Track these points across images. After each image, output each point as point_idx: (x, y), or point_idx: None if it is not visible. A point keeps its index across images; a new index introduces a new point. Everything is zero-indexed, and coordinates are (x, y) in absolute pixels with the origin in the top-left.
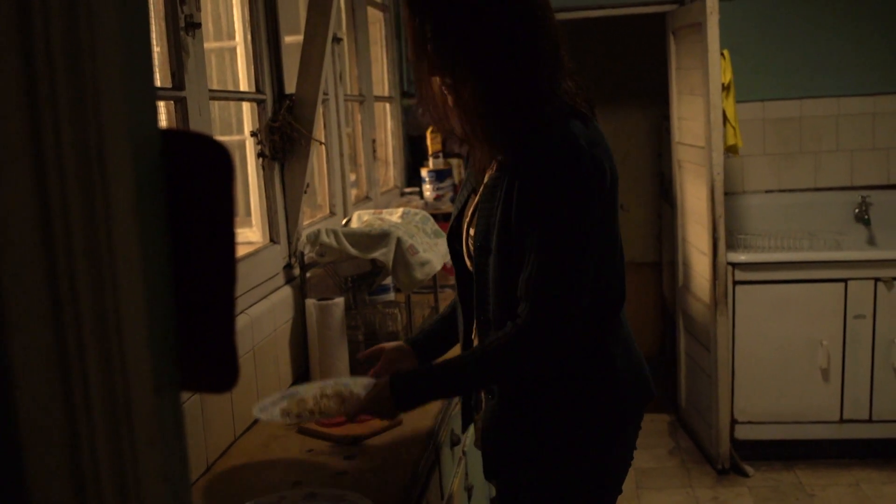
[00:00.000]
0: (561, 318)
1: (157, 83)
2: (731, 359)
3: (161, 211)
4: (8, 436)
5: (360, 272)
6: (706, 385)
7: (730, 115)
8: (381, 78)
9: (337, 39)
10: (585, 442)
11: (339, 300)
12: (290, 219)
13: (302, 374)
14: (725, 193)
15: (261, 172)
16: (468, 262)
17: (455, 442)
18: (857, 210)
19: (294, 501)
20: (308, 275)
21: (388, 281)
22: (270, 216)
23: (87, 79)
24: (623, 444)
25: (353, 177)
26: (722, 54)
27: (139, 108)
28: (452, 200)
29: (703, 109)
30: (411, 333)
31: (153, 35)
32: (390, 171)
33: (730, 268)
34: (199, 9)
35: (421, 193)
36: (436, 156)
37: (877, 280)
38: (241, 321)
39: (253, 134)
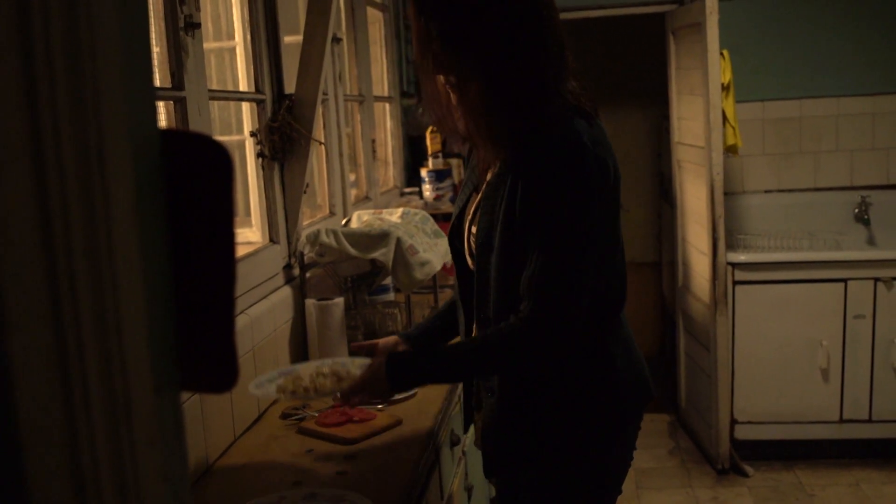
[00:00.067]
0: (562, 316)
1: (157, 83)
2: (730, 359)
3: (161, 211)
4: (8, 436)
5: (360, 272)
6: (706, 385)
7: (729, 115)
8: (381, 78)
9: (336, 39)
10: (585, 442)
11: (339, 300)
12: (290, 219)
13: None
14: (725, 193)
15: (260, 172)
16: (469, 261)
17: (455, 442)
18: (856, 210)
19: (294, 501)
20: (308, 275)
21: (388, 281)
22: (270, 216)
23: (87, 79)
24: (623, 445)
25: (352, 177)
26: (722, 54)
27: (139, 108)
28: (452, 200)
29: (703, 109)
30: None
31: (153, 35)
32: (390, 171)
33: (729, 268)
34: (198, 9)
35: (420, 193)
36: (435, 156)
37: (876, 280)
38: (241, 321)
39: (252, 134)
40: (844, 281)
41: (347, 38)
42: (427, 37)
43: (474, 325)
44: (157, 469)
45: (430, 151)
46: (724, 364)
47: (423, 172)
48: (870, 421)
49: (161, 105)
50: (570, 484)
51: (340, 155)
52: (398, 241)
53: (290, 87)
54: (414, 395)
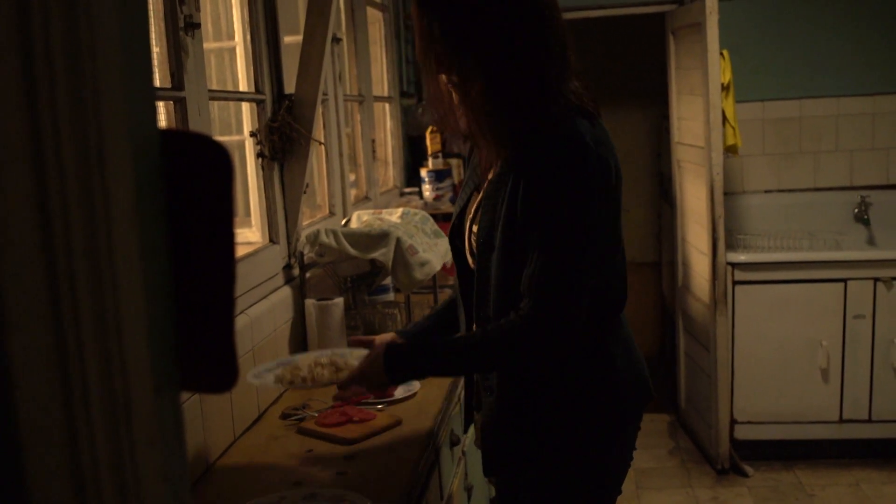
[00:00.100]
0: (562, 316)
1: (157, 83)
2: (730, 359)
3: (161, 211)
4: (8, 436)
5: (360, 272)
6: (706, 385)
7: (729, 115)
8: (381, 78)
9: (336, 39)
10: (585, 442)
11: (339, 300)
12: (290, 219)
13: None
14: (725, 193)
15: (260, 172)
16: (470, 260)
17: (455, 442)
18: (856, 210)
19: (294, 501)
20: (307, 275)
21: (388, 281)
22: (270, 216)
23: (87, 79)
24: (623, 445)
25: (352, 177)
26: (721, 54)
27: (139, 108)
28: (452, 201)
29: (703, 109)
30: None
31: (153, 35)
32: (390, 172)
33: (729, 268)
34: (198, 9)
35: (420, 193)
36: (435, 156)
37: (876, 280)
38: (241, 321)
39: (252, 134)
40: (844, 281)
41: (347, 38)
42: (429, 36)
43: (474, 324)
44: (157, 469)
45: (429, 151)
46: (723, 364)
47: (423, 172)
48: (870, 421)
49: (161, 105)
50: (570, 484)
51: (340, 155)
52: (398, 241)
53: (289, 87)
54: (414, 395)
